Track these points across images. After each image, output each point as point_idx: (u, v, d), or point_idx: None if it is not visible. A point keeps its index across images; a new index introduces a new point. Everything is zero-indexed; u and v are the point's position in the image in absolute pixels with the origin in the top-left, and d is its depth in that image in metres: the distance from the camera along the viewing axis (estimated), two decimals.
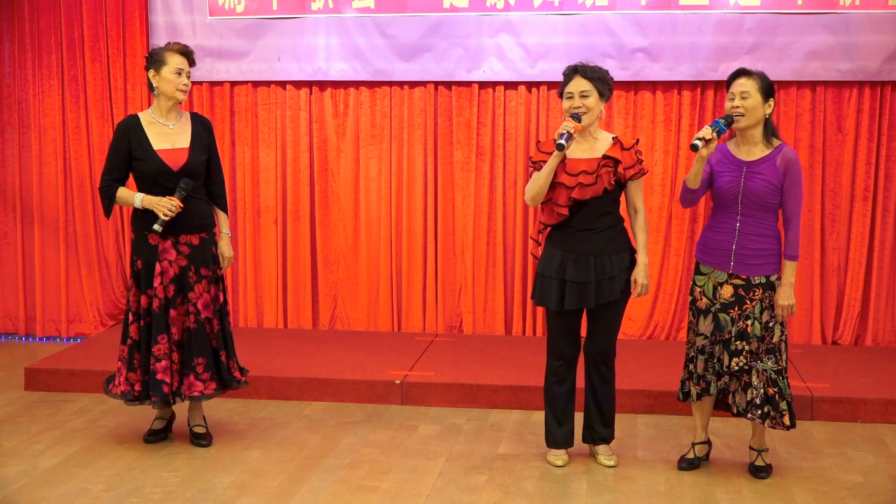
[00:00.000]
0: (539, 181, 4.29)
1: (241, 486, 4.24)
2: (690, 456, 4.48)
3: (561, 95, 4.35)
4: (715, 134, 4.10)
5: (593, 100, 4.27)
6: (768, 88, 4.20)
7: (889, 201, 6.21)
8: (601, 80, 4.28)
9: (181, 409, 4.91)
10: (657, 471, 4.45)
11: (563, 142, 4.14)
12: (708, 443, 4.54)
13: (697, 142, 4.06)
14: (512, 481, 4.32)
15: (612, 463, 4.48)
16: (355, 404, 5.41)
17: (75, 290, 6.90)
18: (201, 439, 4.72)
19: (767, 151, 4.23)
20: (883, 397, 5.15)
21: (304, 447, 4.73)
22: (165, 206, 4.42)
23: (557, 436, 4.50)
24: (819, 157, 6.21)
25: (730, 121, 4.18)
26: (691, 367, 4.37)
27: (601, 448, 4.53)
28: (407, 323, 6.66)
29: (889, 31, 5.98)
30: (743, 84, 4.18)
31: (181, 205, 4.45)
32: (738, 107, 4.17)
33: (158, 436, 4.77)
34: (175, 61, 4.51)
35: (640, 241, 4.37)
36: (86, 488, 4.21)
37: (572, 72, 4.32)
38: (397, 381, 5.44)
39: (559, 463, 4.47)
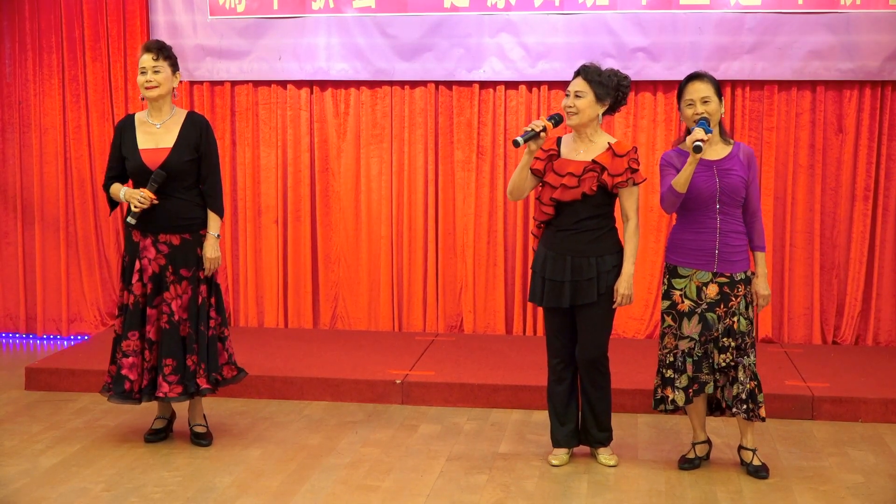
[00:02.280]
0: (514, 175, 4.37)
1: (242, 486, 4.24)
2: (691, 456, 4.48)
3: None
4: (709, 135, 4.14)
5: (585, 102, 4.25)
6: (720, 89, 4.29)
7: (889, 201, 6.21)
8: (601, 84, 4.25)
9: (182, 408, 4.91)
10: (658, 470, 4.45)
11: (519, 138, 4.19)
12: (708, 442, 4.54)
13: (700, 143, 4.08)
14: (512, 481, 4.31)
15: (612, 462, 4.48)
16: (356, 404, 5.41)
17: (76, 289, 6.90)
18: (202, 439, 4.72)
19: (729, 149, 4.30)
20: (884, 397, 5.15)
21: (304, 447, 4.73)
22: (136, 197, 4.43)
23: (559, 435, 4.50)
24: (819, 156, 6.21)
25: (709, 121, 4.21)
26: (669, 372, 4.36)
27: (601, 448, 4.52)
28: (407, 322, 6.66)
29: (890, 31, 5.97)
30: (702, 89, 4.22)
31: (153, 196, 4.44)
32: (700, 113, 4.20)
33: (159, 435, 4.77)
34: (140, 62, 4.52)
35: (628, 250, 4.33)
36: (86, 488, 4.21)
37: (576, 71, 4.32)
38: (398, 381, 5.44)
39: (556, 462, 4.47)
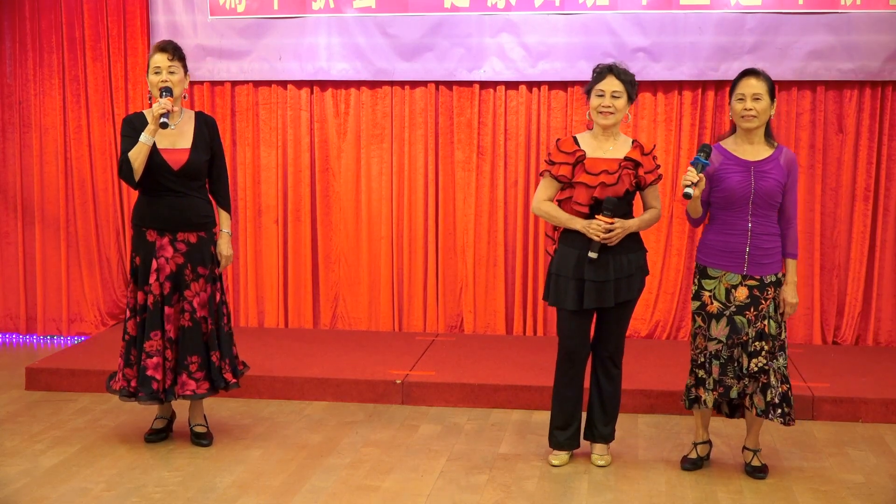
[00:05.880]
0: (552, 219, 4.38)
1: (243, 486, 4.24)
2: (693, 456, 4.47)
3: (588, 92, 4.32)
4: (702, 174, 4.12)
5: (622, 102, 4.26)
6: (773, 89, 4.22)
7: (890, 201, 6.21)
8: (631, 84, 4.28)
9: (182, 408, 4.91)
10: (658, 471, 4.45)
11: (689, 190, 4.08)
12: (709, 442, 4.53)
13: (689, 189, 4.08)
14: (513, 481, 4.32)
15: (603, 463, 4.47)
16: (356, 404, 5.41)
17: (76, 289, 6.90)
18: (202, 439, 4.73)
19: (771, 151, 4.25)
20: (884, 397, 5.15)
21: (305, 447, 4.73)
22: (156, 111, 4.32)
23: (561, 438, 4.50)
24: (820, 156, 6.21)
25: (709, 151, 4.18)
26: (701, 373, 4.32)
27: (597, 447, 4.52)
28: (408, 322, 6.66)
29: (890, 31, 5.97)
30: (755, 86, 4.16)
31: (171, 99, 4.38)
32: (750, 109, 4.15)
33: (159, 435, 4.77)
34: (153, 61, 4.48)
35: (643, 216, 4.36)
36: (87, 488, 4.22)
37: (606, 70, 4.28)
38: (398, 381, 5.44)
39: (556, 462, 4.47)
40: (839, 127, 6.22)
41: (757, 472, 4.35)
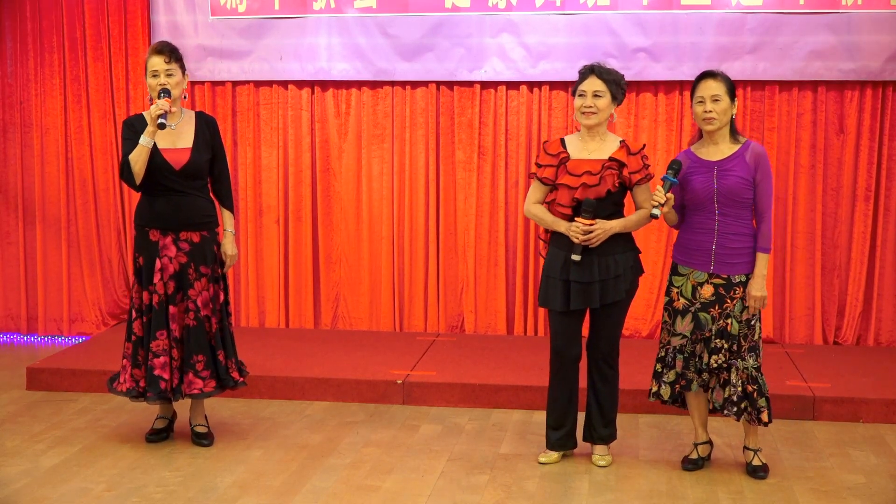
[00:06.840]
0: (540, 222, 4.41)
1: (243, 486, 4.24)
2: (694, 456, 4.48)
3: (574, 93, 4.34)
4: (670, 194, 4.16)
5: (604, 101, 4.26)
6: (733, 89, 4.26)
7: (891, 201, 6.21)
8: (615, 83, 4.28)
9: (183, 408, 4.91)
10: (659, 470, 4.45)
11: (655, 211, 4.12)
12: (710, 442, 4.54)
13: (656, 211, 4.15)
14: (513, 481, 4.32)
15: (604, 463, 4.47)
16: (357, 404, 5.41)
17: (77, 289, 6.91)
18: (203, 439, 4.73)
19: (735, 148, 4.27)
20: (885, 397, 5.15)
21: (305, 447, 4.74)
22: (154, 112, 4.34)
23: (553, 437, 4.51)
24: (820, 156, 6.21)
25: (677, 168, 4.21)
26: (659, 366, 4.40)
27: (598, 448, 4.52)
28: (409, 322, 6.66)
29: (891, 31, 5.97)
30: (714, 88, 4.21)
31: (169, 100, 4.40)
32: (709, 111, 4.19)
33: (160, 435, 4.78)
34: (150, 64, 4.49)
35: (631, 216, 4.34)
36: (87, 488, 4.22)
37: (588, 71, 4.30)
38: (399, 381, 5.44)
39: (543, 460, 4.48)
40: (840, 127, 6.22)
41: (758, 472, 4.36)
